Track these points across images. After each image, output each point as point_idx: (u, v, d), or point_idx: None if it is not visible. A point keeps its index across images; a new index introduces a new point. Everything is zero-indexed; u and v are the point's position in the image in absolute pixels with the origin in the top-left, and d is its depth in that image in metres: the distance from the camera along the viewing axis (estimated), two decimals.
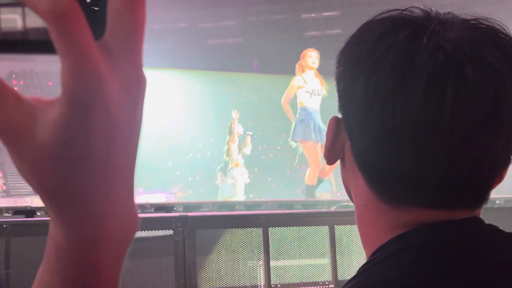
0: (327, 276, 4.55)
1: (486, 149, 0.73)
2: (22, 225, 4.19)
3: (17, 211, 4.46)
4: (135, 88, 0.38)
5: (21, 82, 18.83)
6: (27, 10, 0.35)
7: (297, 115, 7.50)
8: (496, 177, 0.77)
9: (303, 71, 7.50)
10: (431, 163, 0.73)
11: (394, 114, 0.72)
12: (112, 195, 0.39)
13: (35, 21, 0.36)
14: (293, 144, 7.61)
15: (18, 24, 0.36)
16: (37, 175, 0.38)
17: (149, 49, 14.77)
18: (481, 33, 0.75)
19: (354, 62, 0.77)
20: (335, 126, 0.82)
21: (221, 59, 15.84)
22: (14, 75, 18.74)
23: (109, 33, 0.37)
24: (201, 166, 9.84)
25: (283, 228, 4.59)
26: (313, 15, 16.01)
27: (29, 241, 3.94)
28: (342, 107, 0.80)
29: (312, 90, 7.42)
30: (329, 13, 15.74)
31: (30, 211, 4.33)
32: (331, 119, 0.83)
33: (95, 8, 0.37)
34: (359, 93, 0.75)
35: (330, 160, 0.84)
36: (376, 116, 0.74)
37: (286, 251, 4.59)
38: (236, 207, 5.15)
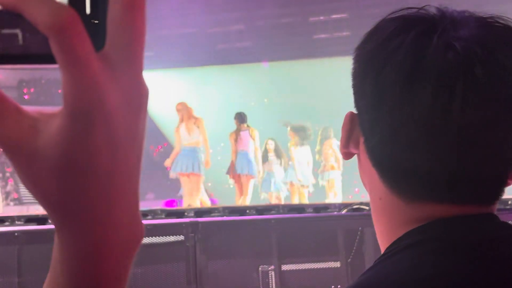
0: (340, 280, 4.53)
1: (497, 146, 0.74)
2: (34, 233, 4.21)
3: (29, 219, 4.49)
4: (137, 98, 0.38)
5: (32, 90, 18.94)
6: (28, 23, 0.35)
7: None
8: (509, 174, 0.78)
9: None
10: (440, 160, 0.74)
11: (403, 112, 0.74)
12: (117, 206, 0.39)
13: (36, 34, 0.35)
14: None
15: (19, 38, 0.36)
16: (40, 187, 0.38)
17: (156, 54, 14.82)
18: (495, 31, 0.76)
19: (365, 59, 0.79)
20: (350, 121, 0.83)
21: (230, 63, 15.87)
22: (24, 83, 18.84)
23: (109, 44, 0.37)
24: (211, 171, 9.82)
25: (294, 232, 4.58)
26: (321, 18, 16.03)
27: (41, 249, 3.95)
28: (355, 103, 0.82)
29: None
30: (338, 16, 15.76)
31: (41, 219, 4.35)
32: (346, 114, 0.84)
33: (95, 22, 0.37)
34: (369, 90, 0.77)
35: (345, 155, 0.86)
36: (385, 113, 0.75)
37: (298, 256, 4.57)
38: (247, 212, 5.14)
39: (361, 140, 0.82)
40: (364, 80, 0.78)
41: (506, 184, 0.79)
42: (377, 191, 0.82)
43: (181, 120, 8.29)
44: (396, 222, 0.79)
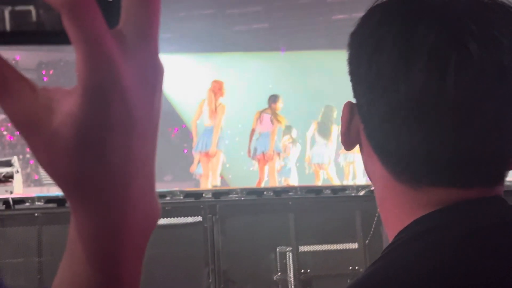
0: (358, 261, 4.54)
1: (495, 121, 0.72)
2: (54, 214, 4.26)
3: (48, 199, 4.52)
4: (152, 76, 0.37)
5: (51, 72, 19.04)
6: (41, 0, 0.35)
7: None
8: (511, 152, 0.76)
9: None
10: (438, 139, 0.72)
11: (397, 92, 0.73)
12: (133, 184, 0.38)
13: (50, 12, 0.35)
14: None
15: (33, 15, 0.36)
16: (56, 166, 0.37)
17: (173, 36, 14.83)
18: (490, 8, 0.75)
19: (358, 43, 0.78)
20: (349, 110, 0.82)
21: (247, 45, 15.85)
22: (43, 65, 18.95)
23: (123, 21, 0.37)
24: (230, 152, 9.85)
25: (312, 213, 4.58)
26: None
27: (60, 229, 4.00)
28: (353, 89, 0.81)
29: None
30: None
31: (61, 200, 4.39)
32: (345, 104, 0.83)
33: None
34: (364, 73, 0.76)
35: (347, 145, 0.84)
36: (380, 95, 0.74)
37: (315, 237, 4.58)
38: (265, 193, 5.15)
39: (361, 127, 0.80)
40: (359, 64, 0.77)
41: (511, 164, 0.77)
42: (380, 179, 0.80)
43: (208, 97, 8.25)
44: (402, 210, 0.78)
